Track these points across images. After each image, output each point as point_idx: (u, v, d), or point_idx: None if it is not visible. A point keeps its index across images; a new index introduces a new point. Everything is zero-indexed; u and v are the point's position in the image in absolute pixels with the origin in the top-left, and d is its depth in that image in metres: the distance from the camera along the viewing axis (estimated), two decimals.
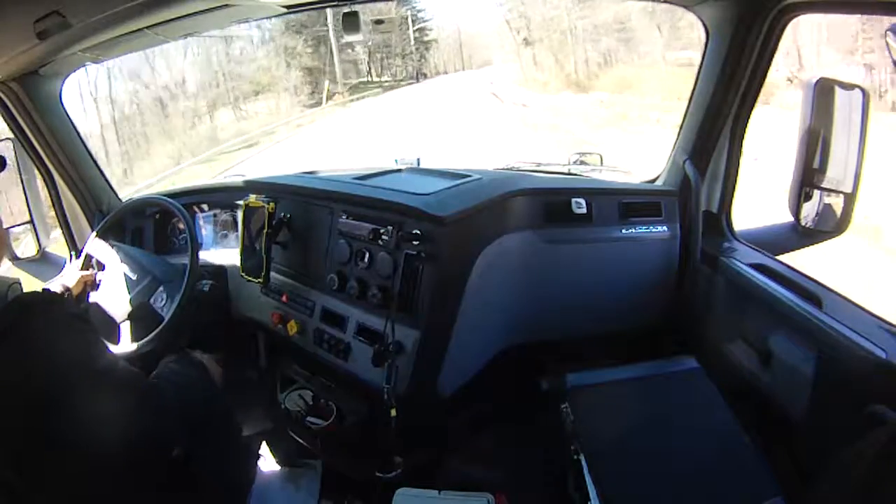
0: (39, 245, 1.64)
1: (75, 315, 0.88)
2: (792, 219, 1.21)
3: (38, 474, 0.78)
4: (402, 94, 20.33)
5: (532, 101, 14.84)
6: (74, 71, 1.55)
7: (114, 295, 1.41)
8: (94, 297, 1.45)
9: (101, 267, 1.49)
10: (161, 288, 1.37)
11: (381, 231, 1.19)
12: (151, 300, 1.36)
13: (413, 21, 22.37)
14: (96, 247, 1.51)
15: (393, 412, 1.14)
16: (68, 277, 1.46)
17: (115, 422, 0.81)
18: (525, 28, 17.80)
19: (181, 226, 1.71)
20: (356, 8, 1.40)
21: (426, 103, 16.37)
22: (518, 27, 18.01)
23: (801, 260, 1.25)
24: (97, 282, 1.46)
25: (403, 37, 22.19)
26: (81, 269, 1.49)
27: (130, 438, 0.84)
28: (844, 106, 1.12)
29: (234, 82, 17.31)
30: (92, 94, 12.73)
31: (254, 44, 18.13)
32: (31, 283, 1.57)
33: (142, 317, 1.36)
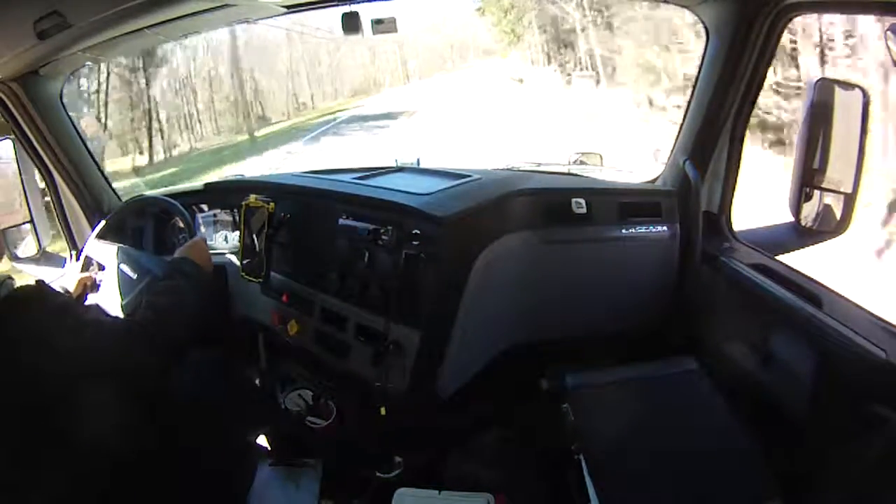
0: (39, 245, 1.64)
1: (66, 304, 0.89)
2: (792, 219, 1.21)
3: (35, 472, 0.78)
4: None
5: None
6: (74, 71, 1.55)
7: (114, 296, 1.40)
8: (93, 298, 1.44)
9: (101, 268, 1.48)
10: None
11: (381, 231, 1.19)
12: None
13: None
14: (96, 248, 1.50)
15: (382, 411, 1.14)
16: (67, 279, 1.45)
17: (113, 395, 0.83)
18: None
19: (181, 226, 1.71)
20: (356, 8, 1.40)
21: None
22: None
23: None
24: (97, 283, 1.46)
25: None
26: (81, 270, 1.49)
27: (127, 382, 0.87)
28: (844, 106, 1.12)
29: None
30: None
31: None
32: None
33: None
